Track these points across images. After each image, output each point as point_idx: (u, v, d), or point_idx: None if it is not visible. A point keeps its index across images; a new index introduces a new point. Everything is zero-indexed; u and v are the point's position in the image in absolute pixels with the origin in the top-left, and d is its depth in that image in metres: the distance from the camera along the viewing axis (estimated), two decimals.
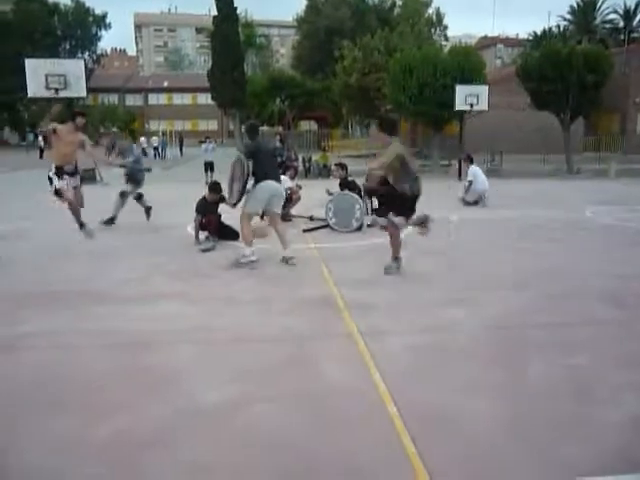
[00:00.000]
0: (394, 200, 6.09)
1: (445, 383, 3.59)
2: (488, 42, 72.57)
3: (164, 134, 40.03)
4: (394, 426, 3.05)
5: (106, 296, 5.52)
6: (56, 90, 17.10)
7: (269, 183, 6.64)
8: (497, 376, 3.70)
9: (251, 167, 6.54)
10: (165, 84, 71.52)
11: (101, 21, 60.28)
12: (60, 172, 7.96)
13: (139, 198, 9.97)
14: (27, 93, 17.85)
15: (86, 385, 3.60)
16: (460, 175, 12.47)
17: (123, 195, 9.88)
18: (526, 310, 5.09)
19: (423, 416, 3.17)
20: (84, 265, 6.88)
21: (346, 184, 9.81)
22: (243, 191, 6.61)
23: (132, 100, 69.44)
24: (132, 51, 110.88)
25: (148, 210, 9.92)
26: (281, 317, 4.90)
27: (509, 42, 73.07)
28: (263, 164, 6.67)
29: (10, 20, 50.58)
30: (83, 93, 18.10)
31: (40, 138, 37.06)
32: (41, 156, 32.85)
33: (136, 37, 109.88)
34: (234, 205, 6.82)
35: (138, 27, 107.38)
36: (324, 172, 20.30)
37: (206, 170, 18.51)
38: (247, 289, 5.82)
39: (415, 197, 6.16)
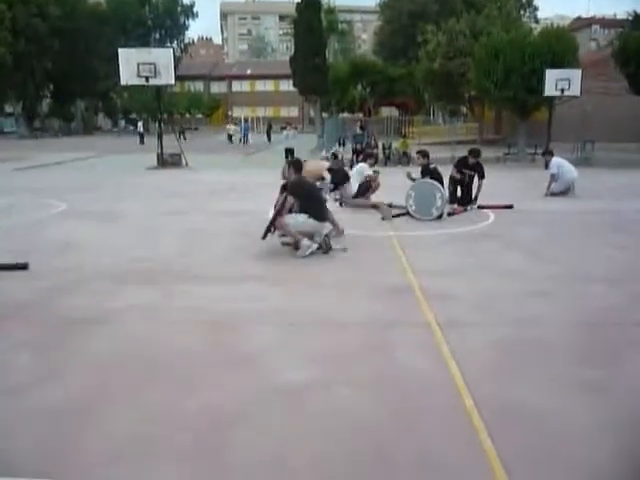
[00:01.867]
0: None
1: (527, 379, 3.49)
2: (582, 23, 68.61)
3: (246, 120, 40.85)
4: (470, 420, 3.00)
5: (191, 275, 5.76)
6: (147, 78, 17.87)
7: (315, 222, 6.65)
8: (587, 374, 3.55)
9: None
10: (248, 71, 72.86)
11: (189, 10, 62.26)
12: None
13: None
14: (120, 81, 18.79)
15: (173, 359, 3.79)
16: (547, 165, 11.94)
17: None
18: (621, 306, 4.83)
19: (501, 411, 3.10)
20: (171, 245, 7.20)
21: (428, 172, 9.64)
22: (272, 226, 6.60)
23: (217, 87, 71.31)
24: (218, 39, 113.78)
25: None
26: (359, 303, 4.92)
27: (605, 23, 68.74)
28: (307, 202, 6.66)
29: (104, 11, 53.13)
30: (171, 81, 18.82)
31: (140, 124, 38.71)
32: (142, 142, 34.41)
33: (221, 25, 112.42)
34: (263, 238, 6.71)
35: (224, 15, 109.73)
36: (404, 159, 20.04)
37: (286, 156, 18.81)
38: (327, 273, 5.89)
39: None
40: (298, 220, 6.54)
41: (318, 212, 6.70)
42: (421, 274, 5.77)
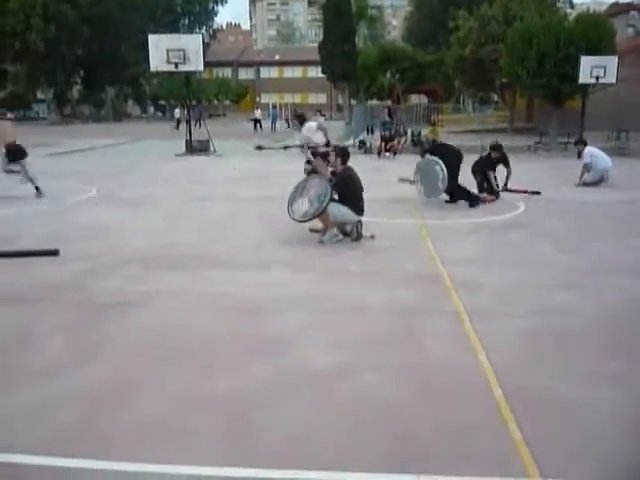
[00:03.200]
0: None
1: (555, 369, 3.45)
2: (619, 9, 66.38)
3: (275, 107, 40.72)
4: (499, 409, 2.98)
5: (219, 260, 5.81)
6: (176, 64, 17.94)
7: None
8: (615, 365, 3.50)
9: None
10: (276, 57, 72.71)
11: None
12: None
13: None
14: (149, 68, 18.91)
15: (201, 343, 3.85)
16: (579, 155, 11.69)
17: None
18: None
19: (530, 401, 3.07)
20: (199, 231, 7.27)
21: (439, 148, 9.46)
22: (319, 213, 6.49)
23: (245, 74, 71.34)
24: (246, 25, 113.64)
25: None
26: (387, 290, 4.91)
27: None
28: (351, 195, 6.63)
29: None
30: (200, 67, 18.87)
31: (177, 111, 38.86)
32: (177, 127, 34.73)
33: (250, 11, 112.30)
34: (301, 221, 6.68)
35: (252, 1, 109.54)
36: None
37: None
38: (354, 260, 5.90)
39: None
40: (342, 211, 6.52)
41: (357, 207, 6.66)
42: (449, 263, 5.72)
